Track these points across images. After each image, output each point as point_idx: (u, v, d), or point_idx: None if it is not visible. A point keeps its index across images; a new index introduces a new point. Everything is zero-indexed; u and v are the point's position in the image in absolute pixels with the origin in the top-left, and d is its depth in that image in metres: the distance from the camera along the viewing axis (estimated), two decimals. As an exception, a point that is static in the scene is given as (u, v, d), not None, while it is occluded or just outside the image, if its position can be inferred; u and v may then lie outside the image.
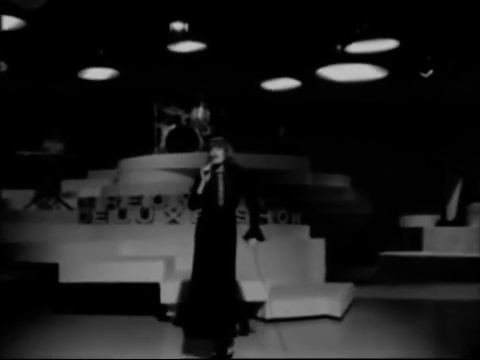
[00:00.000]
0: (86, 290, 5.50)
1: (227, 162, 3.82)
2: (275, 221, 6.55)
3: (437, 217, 10.01)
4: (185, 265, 4.59)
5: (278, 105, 10.37)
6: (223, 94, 8.56)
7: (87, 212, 6.84)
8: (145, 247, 5.93)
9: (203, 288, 3.69)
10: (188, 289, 3.98)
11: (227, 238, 3.81)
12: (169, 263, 5.52)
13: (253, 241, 3.88)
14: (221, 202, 3.77)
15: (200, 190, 3.70)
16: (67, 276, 5.17)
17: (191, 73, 8.84)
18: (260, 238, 3.88)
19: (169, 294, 5.00)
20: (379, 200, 9.25)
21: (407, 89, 10.12)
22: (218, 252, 3.73)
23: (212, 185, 3.77)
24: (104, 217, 6.61)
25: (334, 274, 6.67)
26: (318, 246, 6.53)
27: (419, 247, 9.59)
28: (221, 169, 3.81)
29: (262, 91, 9.40)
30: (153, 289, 5.18)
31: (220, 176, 3.81)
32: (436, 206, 10.05)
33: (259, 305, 5.17)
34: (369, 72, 8.61)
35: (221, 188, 3.76)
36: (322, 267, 6.48)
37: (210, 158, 3.81)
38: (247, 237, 3.85)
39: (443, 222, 9.98)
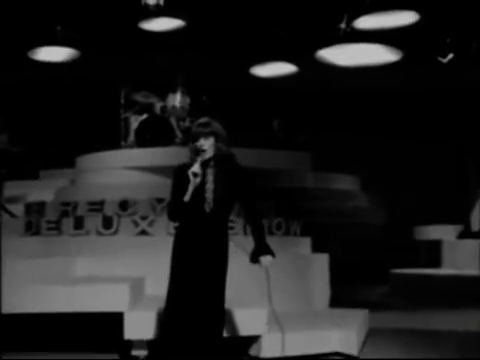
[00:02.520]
0: (31, 320, 5.15)
1: (217, 154, 3.41)
2: (269, 232, 6.38)
3: (459, 227, 9.88)
4: (157, 289, 4.46)
5: (271, 94, 10.42)
6: (205, 81, 8.48)
7: (35, 221, 6.62)
8: (106, 266, 5.66)
9: (181, 320, 3.34)
10: (161, 321, 3.77)
11: (216, 255, 3.40)
12: (137, 286, 5.24)
13: (267, 260, 3.45)
14: (209, 207, 3.35)
15: (187, 197, 3.28)
16: (6, 305, 4.70)
17: (167, 55, 8.92)
18: (270, 253, 3.48)
19: (136, 327, 4.63)
20: (390, 206, 9.20)
21: (423, 76, 10.12)
22: (203, 274, 3.35)
23: (201, 184, 3.38)
24: (56, 227, 6.42)
25: (339, 296, 6.58)
26: (321, 263, 6.42)
27: (437, 263, 9.47)
28: (210, 163, 3.43)
29: (252, 77, 9.55)
30: (115, 320, 4.77)
31: (208, 172, 3.39)
32: (458, 214, 9.95)
33: (253, 340, 4.81)
34: (380, 54, 8.50)
35: (210, 189, 3.36)
36: (326, 289, 6.38)
37: (195, 152, 3.37)
38: (257, 255, 3.43)
39: (466, 234, 9.78)
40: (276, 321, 4.01)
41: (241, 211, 3.63)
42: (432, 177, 10.82)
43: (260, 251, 3.45)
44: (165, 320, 3.47)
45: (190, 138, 3.47)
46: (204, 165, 3.39)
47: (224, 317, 3.53)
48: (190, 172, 3.30)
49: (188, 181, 3.31)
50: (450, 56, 8.61)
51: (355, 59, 8.47)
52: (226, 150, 3.42)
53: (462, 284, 8.34)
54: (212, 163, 3.40)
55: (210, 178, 3.38)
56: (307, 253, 6.58)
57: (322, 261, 6.44)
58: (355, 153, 10.41)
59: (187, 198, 3.33)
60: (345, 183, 8.51)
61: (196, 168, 3.31)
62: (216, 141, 3.38)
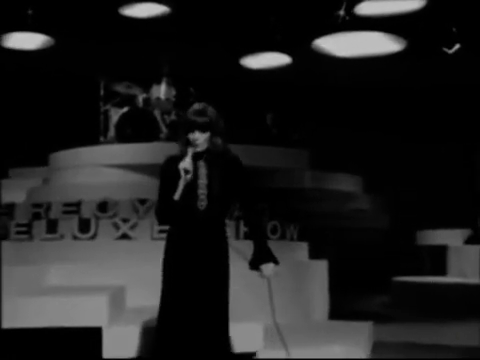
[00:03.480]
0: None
1: (213, 147, 3.25)
2: None
3: (467, 232, 9.82)
4: (140, 300, 4.56)
5: (264, 87, 10.35)
6: (193, 71, 8.48)
7: (3, 224, 6.57)
8: (83, 274, 5.62)
9: (179, 339, 3.14)
10: (151, 337, 3.54)
11: (216, 260, 3.23)
12: (117, 298, 5.14)
13: (269, 268, 3.27)
14: (203, 204, 3.19)
15: (177, 195, 3.12)
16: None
17: (150, 44, 8.70)
18: (273, 260, 3.29)
19: (116, 344, 4.51)
20: (392, 208, 9.21)
21: (427, 69, 10.12)
22: (203, 282, 3.18)
23: (192, 180, 3.22)
24: (27, 231, 6.38)
25: (338, 306, 6.63)
26: (320, 270, 6.47)
27: (443, 271, 9.45)
28: (203, 156, 3.27)
29: (243, 69, 9.42)
30: (93, 336, 4.56)
31: (200, 165, 3.23)
32: (465, 218, 9.94)
33: (248, 357, 4.69)
34: (382, 44, 8.37)
35: (203, 184, 3.20)
36: (325, 298, 6.42)
37: (186, 143, 3.21)
38: (257, 262, 3.25)
39: (474, 239, 9.66)
40: (281, 341, 3.86)
41: (239, 211, 3.45)
42: (437, 178, 10.88)
43: (261, 257, 3.27)
44: (157, 338, 3.28)
45: (181, 127, 3.29)
46: (196, 158, 3.22)
47: (229, 335, 3.33)
48: (181, 168, 3.13)
49: (178, 176, 3.16)
50: (456, 47, 8.59)
51: (355, 49, 8.40)
52: (222, 145, 3.25)
53: (469, 293, 8.31)
54: (205, 156, 3.24)
55: (203, 172, 3.22)
56: (304, 259, 6.59)
57: (321, 268, 6.44)
58: (355, 151, 10.45)
59: (177, 196, 3.15)
60: (345, 184, 8.35)
61: (187, 164, 3.14)
62: (213, 135, 3.20)
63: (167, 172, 3.21)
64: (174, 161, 3.21)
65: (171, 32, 8.51)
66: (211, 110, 3.22)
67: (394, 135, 11.09)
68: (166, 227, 3.42)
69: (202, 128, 3.17)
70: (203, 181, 3.20)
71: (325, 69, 9.74)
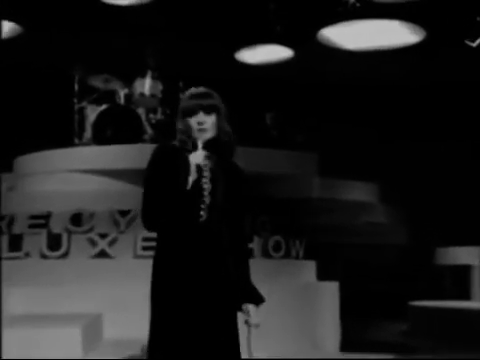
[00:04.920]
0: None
1: (224, 134, 3.00)
2: (265, 254, 6.44)
3: None
4: (120, 331, 4.56)
5: (263, 83, 10.13)
6: (181, 66, 8.43)
7: None
8: (52, 300, 5.57)
9: None
10: None
11: (221, 282, 2.97)
12: (92, 328, 5.17)
13: (254, 311, 3.01)
14: (204, 215, 2.94)
15: (189, 185, 2.87)
16: None
17: (134, 34, 8.54)
18: (257, 299, 3.03)
19: None
20: (410, 222, 9.19)
21: (447, 63, 9.98)
22: (207, 308, 2.92)
23: (192, 184, 2.96)
24: None
25: (351, 334, 6.61)
26: (329, 293, 6.44)
27: (466, 295, 9.26)
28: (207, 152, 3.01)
29: (239, 64, 9.39)
30: None
31: (203, 165, 2.97)
32: None
33: None
34: (397, 34, 8.39)
35: (206, 189, 2.96)
36: (336, 325, 6.36)
37: (186, 133, 2.95)
38: (237, 301, 3.01)
39: None
40: None
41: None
42: (464, 186, 10.80)
43: (245, 295, 3.01)
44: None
45: (179, 113, 3.02)
46: (207, 146, 2.96)
47: None
48: (193, 163, 2.87)
49: (174, 169, 2.92)
50: (480, 40, 8.95)
51: (366, 41, 8.37)
52: (230, 134, 3.01)
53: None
54: (210, 154, 2.98)
55: (207, 174, 2.97)
56: (312, 281, 6.60)
57: (330, 291, 6.41)
58: (369, 155, 10.43)
59: (189, 186, 2.88)
60: (359, 193, 8.40)
61: (200, 157, 2.89)
62: (218, 119, 2.96)
63: (162, 161, 2.96)
64: (170, 151, 2.98)
65: (157, 20, 8.44)
66: (215, 93, 3.01)
67: (414, 137, 11.10)
68: (153, 243, 3.18)
69: (207, 110, 2.93)
70: (207, 186, 2.96)
71: (332, 63, 9.65)
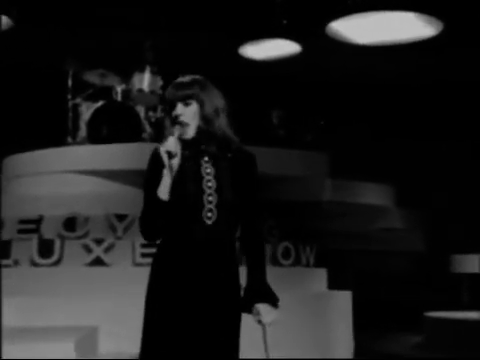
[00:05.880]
0: None
1: (206, 124, 2.93)
2: (274, 261, 6.45)
3: None
4: (116, 344, 4.57)
5: (269, 79, 10.30)
6: (182, 61, 8.41)
7: None
8: (43, 311, 5.53)
9: None
10: None
11: (224, 295, 2.90)
12: (87, 341, 5.09)
13: (271, 312, 2.93)
14: (211, 216, 2.87)
15: (163, 192, 2.81)
16: None
17: (132, 27, 8.69)
18: (274, 300, 2.95)
19: None
20: (429, 227, 9.30)
21: (468, 59, 10.00)
22: (204, 323, 2.86)
23: (188, 181, 2.89)
24: None
25: (364, 346, 6.72)
26: (342, 303, 6.50)
27: None
28: (201, 146, 2.94)
29: (243, 59, 9.39)
30: None
31: (205, 161, 2.91)
32: None
33: None
34: (412, 27, 8.25)
35: (211, 187, 2.89)
36: (349, 337, 6.43)
37: (173, 123, 2.92)
38: (251, 300, 2.92)
39: None
40: None
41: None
42: (476, 189, 10.92)
43: (258, 294, 2.94)
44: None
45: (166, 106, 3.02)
46: (196, 147, 2.90)
47: None
48: (162, 151, 2.80)
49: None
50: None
51: (379, 34, 8.27)
52: (222, 125, 2.94)
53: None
54: (204, 146, 2.92)
55: (209, 171, 2.89)
56: (323, 290, 6.63)
57: (343, 301, 6.44)
58: (384, 156, 10.44)
59: (164, 194, 2.81)
60: (373, 196, 8.37)
61: (171, 144, 2.81)
62: (202, 108, 2.91)
63: (156, 166, 2.89)
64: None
65: (157, 12, 8.49)
66: (199, 80, 2.96)
67: (433, 136, 11.13)
68: (152, 250, 3.14)
69: (184, 99, 2.89)
70: (212, 183, 2.87)
71: (341, 59, 9.72)
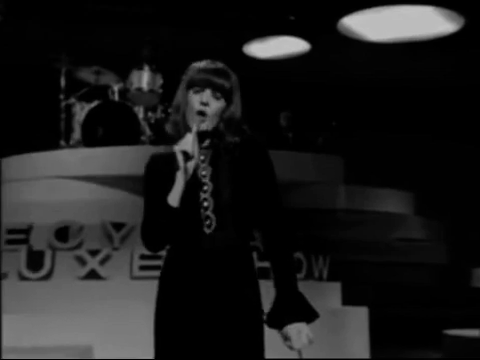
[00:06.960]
0: None
1: (228, 125, 2.69)
2: None
3: None
4: None
5: (276, 79, 10.41)
6: (184, 58, 8.21)
7: None
8: (33, 328, 5.54)
9: None
10: None
11: (240, 309, 2.70)
12: None
13: (302, 333, 2.68)
14: (210, 225, 2.70)
15: (175, 199, 2.62)
16: None
17: (130, 22, 8.91)
18: (306, 317, 2.70)
19: None
20: (451, 237, 9.26)
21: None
22: (221, 340, 2.67)
23: (189, 185, 2.67)
24: None
25: None
26: (358, 320, 6.50)
27: None
28: (205, 141, 2.72)
29: (248, 58, 9.51)
30: None
31: (205, 164, 2.71)
32: None
33: None
34: (429, 23, 8.41)
35: (207, 190, 2.70)
36: (365, 355, 6.40)
37: (181, 114, 2.69)
38: (281, 319, 2.69)
39: None
40: None
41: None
42: None
43: (286, 314, 2.71)
44: None
45: (181, 85, 2.71)
46: (205, 139, 2.68)
47: None
48: (177, 151, 2.57)
49: (170, 178, 2.65)
50: None
51: (393, 31, 8.40)
52: (239, 124, 2.71)
53: None
54: (208, 142, 2.69)
55: (205, 173, 2.70)
56: (337, 306, 6.62)
57: (359, 317, 6.46)
58: (403, 161, 10.52)
59: (175, 201, 2.62)
60: (392, 203, 8.37)
61: (188, 143, 2.57)
62: (228, 106, 2.64)
63: (155, 173, 2.74)
64: (163, 160, 2.75)
65: (157, 6, 8.61)
66: (234, 76, 2.70)
67: (455, 139, 11.17)
68: (152, 262, 2.94)
69: (217, 88, 2.62)
70: (208, 186, 2.68)
71: (353, 57, 9.83)
